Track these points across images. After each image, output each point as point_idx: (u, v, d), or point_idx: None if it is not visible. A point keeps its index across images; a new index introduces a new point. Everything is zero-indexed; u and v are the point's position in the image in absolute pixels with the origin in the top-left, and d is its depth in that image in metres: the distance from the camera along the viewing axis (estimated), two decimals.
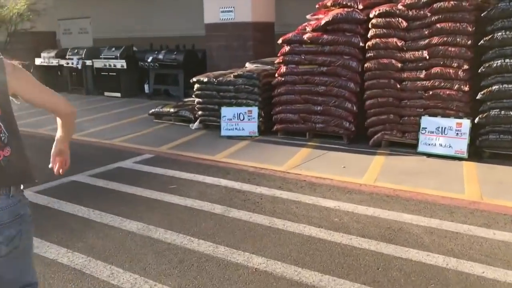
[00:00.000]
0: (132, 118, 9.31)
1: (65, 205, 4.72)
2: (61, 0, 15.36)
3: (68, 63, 13.19)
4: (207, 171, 5.67)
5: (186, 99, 9.70)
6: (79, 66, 12.87)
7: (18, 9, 13.65)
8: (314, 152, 6.33)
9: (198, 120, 8.09)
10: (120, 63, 12.07)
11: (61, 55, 13.80)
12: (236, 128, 7.37)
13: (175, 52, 11.29)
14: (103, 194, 5.04)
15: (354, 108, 6.56)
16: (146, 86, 12.02)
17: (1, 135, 1.85)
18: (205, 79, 7.80)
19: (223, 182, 5.23)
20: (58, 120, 2.29)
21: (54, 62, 13.67)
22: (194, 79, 7.96)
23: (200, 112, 8.02)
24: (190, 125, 8.22)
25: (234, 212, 4.36)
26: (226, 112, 7.43)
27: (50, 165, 2.33)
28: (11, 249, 1.91)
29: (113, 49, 12.48)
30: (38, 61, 14.08)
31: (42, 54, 14.08)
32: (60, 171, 2.35)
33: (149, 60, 11.52)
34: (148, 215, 4.39)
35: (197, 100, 8.02)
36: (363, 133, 6.68)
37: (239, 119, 7.36)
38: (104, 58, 12.46)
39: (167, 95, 12.19)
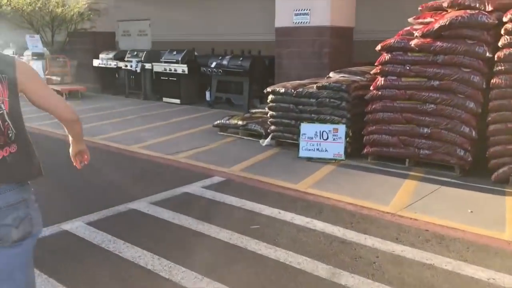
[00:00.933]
0: (194, 129, 8.31)
1: (123, 246, 3.68)
2: (121, 0, 14.72)
3: (126, 66, 12.44)
4: (294, 206, 4.51)
5: (254, 110, 8.62)
6: (138, 69, 12.09)
7: (79, 8, 13.06)
8: (422, 186, 5.05)
9: (270, 136, 6.97)
10: (181, 68, 11.16)
11: (119, 57, 13.09)
12: (318, 149, 6.20)
13: (240, 58, 10.25)
14: (169, 232, 3.98)
15: (473, 133, 5.23)
16: (207, 93, 11.05)
17: (9, 132, 1.86)
18: (282, 90, 6.67)
19: (319, 225, 4.05)
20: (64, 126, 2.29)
21: (112, 64, 12.98)
22: (269, 89, 6.86)
23: (273, 127, 6.90)
24: (261, 141, 7.12)
25: (346, 277, 3.17)
26: (307, 129, 6.27)
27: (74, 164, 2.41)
28: (23, 233, 1.91)
29: (174, 52, 11.61)
30: (96, 63, 13.44)
31: (101, 55, 13.43)
32: (82, 164, 2.44)
33: (212, 65, 10.54)
34: (232, 271, 3.28)
35: (270, 113, 6.91)
36: (480, 163, 5.35)
37: (322, 138, 6.18)
38: (165, 62, 11.61)
39: (229, 104, 11.19)
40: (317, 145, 6.19)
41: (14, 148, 1.88)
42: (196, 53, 11.82)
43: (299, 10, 9.27)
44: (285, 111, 6.72)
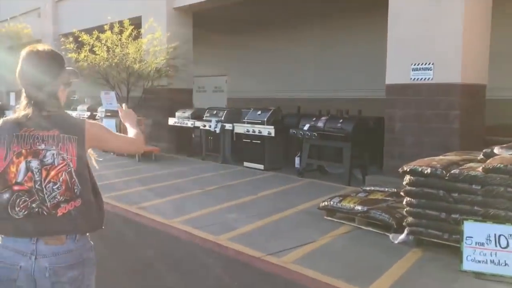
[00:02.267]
0: (291, 210, 6.52)
1: None
2: (198, 55, 13.68)
3: (204, 126, 11.07)
4: None
5: (368, 188, 6.73)
6: (218, 130, 10.65)
7: (157, 64, 12.04)
8: None
9: (406, 231, 5.02)
10: (267, 130, 9.58)
11: (197, 115, 11.80)
12: (492, 261, 4.16)
13: (340, 120, 8.50)
14: None
15: None
16: (296, 160, 9.33)
17: (75, 187, 1.97)
18: (427, 170, 4.76)
19: None
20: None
21: (189, 123, 11.67)
22: (406, 168, 4.98)
23: (411, 219, 4.95)
24: (391, 236, 5.18)
25: None
26: (473, 230, 4.27)
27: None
28: None
29: (259, 112, 10.09)
30: (171, 121, 12.22)
31: (177, 114, 12.22)
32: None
33: (305, 128, 8.86)
34: None
35: (407, 199, 4.99)
36: None
37: (500, 246, 4.16)
38: (248, 123, 10.10)
39: (321, 172, 9.39)
40: (491, 255, 4.16)
41: (78, 203, 1.98)
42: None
43: (419, 64, 7.48)
44: (432, 199, 4.78)
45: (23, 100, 2.02)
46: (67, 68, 2.14)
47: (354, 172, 8.55)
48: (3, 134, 1.97)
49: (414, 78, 7.54)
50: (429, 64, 7.35)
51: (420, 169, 4.82)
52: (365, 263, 4.52)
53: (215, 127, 10.71)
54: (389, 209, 5.42)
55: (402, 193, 5.06)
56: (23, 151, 1.95)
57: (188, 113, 12.00)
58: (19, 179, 1.94)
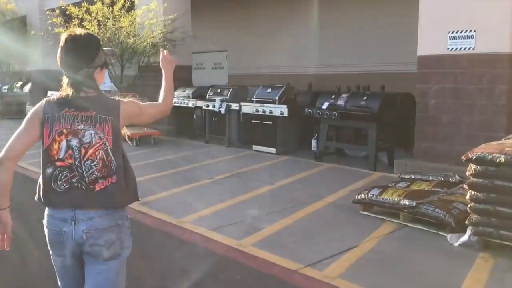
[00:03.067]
0: (316, 204, 5.60)
1: None
2: (197, 29, 12.59)
3: (208, 106, 10.08)
4: None
5: (406, 175, 5.83)
6: (223, 110, 9.67)
7: (153, 38, 10.96)
8: None
9: (469, 231, 4.14)
10: (279, 109, 8.61)
11: (198, 94, 10.80)
12: None
13: (364, 97, 7.54)
14: None
15: None
16: (313, 142, 8.40)
17: (111, 165, 2.12)
18: (500, 158, 3.86)
19: None
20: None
21: (190, 103, 10.68)
22: (471, 155, 4.06)
23: (476, 217, 4.06)
24: (449, 236, 4.30)
25: None
26: None
27: None
28: (112, 254, 2.13)
29: (269, 90, 9.10)
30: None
31: (176, 93, 11.19)
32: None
33: (323, 107, 7.90)
34: None
35: (471, 193, 4.10)
36: None
37: None
38: (257, 102, 9.11)
39: (339, 155, 8.47)
40: None
41: (114, 179, 2.12)
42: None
43: (457, 32, 6.50)
44: (506, 194, 3.89)
45: (64, 82, 2.15)
46: (104, 48, 2.27)
47: (378, 156, 7.64)
48: (47, 114, 2.11)
49: (452, 48, 6.58)
50: (470, 31, 6.37)
51: (490, 157, 3.91)
52: (430, 275, 3.64)
53: (219, 107, 9.73)
54: (443, 204, 4.53)
55: (465, 186, 4.15)
56: (64, 130, 2.10)
57: (188, 91, 10.99)
58: (61, 156, 2.09)
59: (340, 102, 7.76)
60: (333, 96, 7.93)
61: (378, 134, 7.34)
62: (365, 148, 7.72)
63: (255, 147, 9.21)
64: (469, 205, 4.12)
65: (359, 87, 8.37)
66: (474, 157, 4.00)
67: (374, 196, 4.99)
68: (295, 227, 4.80)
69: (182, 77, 11.79)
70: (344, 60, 10.93)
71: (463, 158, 4.11)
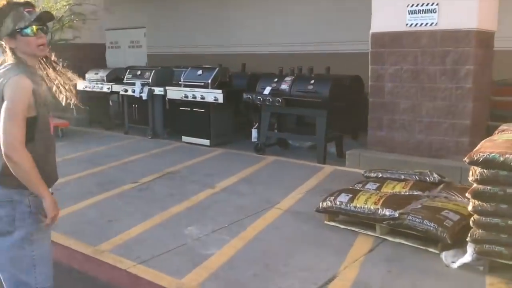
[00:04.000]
0: (272, 212, 4.58)
1: None
2: (111, 2, 10.94)
3: (126, 91, 8.62)
4: None
5: (372, 173, 4.95)
6: (144, 96, 8.28)
7: (58, 11, 9.21)
8: None
9: (472, 249, 3.31)
10: (213, 95, 7.42)
11: (114, 77, 9.28)
12: None
13: (311, 81, 6.59)
14: None
15: None
16: (253, 132, 7.34)
17: None
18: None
19: None
20: None
21: (105, 87, 9.14)
22: (476, 156, 3.19)
23: (481, 233, 3.24)
24: (443, 254, 3.47)
25: None
26: None
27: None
28: (2, 231, 2.03)
29: (199, 72, 7.85)
30: (81, 85, 9.54)
31: (87, 75, 9.60)
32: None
33: (266, 92, 6.85)
34: None
35: (475, 203, 3.26)
36: None
37: None
38: (186, 86, 7.84)
39: (281, 146, 7.51)
40: None
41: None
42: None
43: (417, 6, 5.72)
44: None
45: None
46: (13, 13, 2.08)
47: (327, 148, 6.77)
48: None
49: (412, 24, 5.79)
50: (432, 4, 5.61)
51: (502, 159, 3.08)
52: None
53: (140, 92, 8.34)
54: (432, 213, 3.68)
55: (468, 195, 3.30)
56: None
57: (102, 74, 9.42)
58: None
59: (284, 86, 6.75)
60: (276, 80, 6.90)
61: (328, 122, 6.45)
62: (312, 138, 6.80)
63: (185, 138, 7.97)
64: (472, 218, 3.29)
65: (301, 70, 7.40)
66: (481, 159, 3.15)
67: (344, 204, 4.05)
68: (251, 251, 3.73)
69: (93, 57, 10.21)
70: (280, 39, 9.91)
71: (466, 160, 3.25)
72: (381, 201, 3.92)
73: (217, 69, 7.69)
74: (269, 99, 6.75)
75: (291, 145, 7.56)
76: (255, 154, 7.05)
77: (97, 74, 9.52)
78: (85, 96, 9.60)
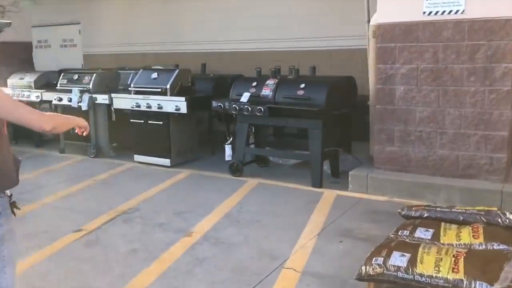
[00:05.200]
0: (283, 278, 3.19)
1: None
2: None
3: (61, 100, 6.84)
4: None
5: (412, 212, 3.62)
6: (85, 106, 6.55)
7: None
8: None
9: None
10: (174, 104, 5.86)
11: (45, 83, 7.47)
12: None
13: (301, 84, 5.20)
14: None
15: None
16: (227, 149, 5.84)
17: None
18: None
19: None
20: None
21: (33, 95, 7.30)
22: None
23: None
24: None
25: None
26: None
27: None
28: None
29: (154, 75, 6.24)
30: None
31: (10, 81, 7.70)
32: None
33: (243, 99, 5.38)
34: None
35: None
36: None
37: None
38: (138, 93, 6.21)
39: (260, 164, 6.09)
40: None
41: None
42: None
43: None
44: None
45: None
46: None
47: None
48: None
49: (431, 12, 4.58)
50: None
51: None
52: None
53: (79, 102, 6.60)
54: None
55: None
56: None
57: (29, 79, 7.57)
58: None
59: (266, 92, 5.33)
60: (254, 84, 5.45)
61: (323, 135, 5.10)
62: (304, 156, 5.43)
63: (138, 157, 6.35)
64: None
65: (279, 70, 5.98)
66: None
67: (403, 270, 2.70)
68: None
69: (18, 58, 8.29)
70: (248, 34, 8.43)
71: None
72: (460, 265, 2.61)
73: (176, 71, 6.13)
74: (247, 108, 5.30)
75: (271, 162, 6.17)
76: (231, 176, 5.59)
77: (22, 79, 7.65)
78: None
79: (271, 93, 5.29)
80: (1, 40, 8.00)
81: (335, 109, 5.09)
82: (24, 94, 7.37)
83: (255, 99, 5.35)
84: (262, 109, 5.21)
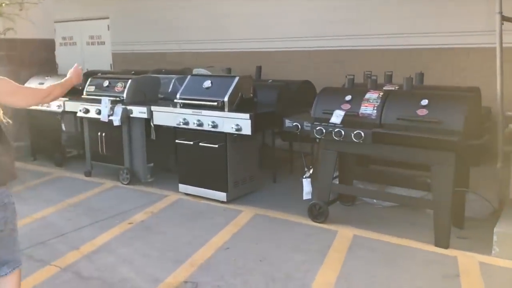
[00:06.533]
0: None
1: None
2: None
3: (87, 111, 5.42)
4: None
5: None
6: (117, 121, 5.12)
7: None
8: None
9: None
10: (234, 122, 4.36)
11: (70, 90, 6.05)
12: None
13: (423, 100, 3.62)
14: None
15: None
16: (306, 183, 4.28)
17: None
18: None
19: None
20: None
21: (53, 105, 5.91)
22: None
23: None
24: None
25: None
26: None
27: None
28: None
29: (207, 83, 4.73)
30: None
31: (28, 86, 6.32)
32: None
33: (335, 119, 3.82)
34: None
35: None
36: None
37: None
38: (187, 105, 4.73)
39: (345, 203, 4.54)
40: None
41: None
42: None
43: None
44: None
45: None
46: None
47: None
48: None
49: None
50: None
51: None
52: None
53: (110, 115, 5.17)
54: None
55: None
56: None
57: (50, 84, 6.14)
58: None
59: (368, 109, 3.78)
60: (349, 98, 3.90)
61: (455, 173, 3.53)
62: (425, 203, 3.88)
63: (183, 187, 4.89)
64: None
65: (391, 75, 4.43)
66: None
67: None
68: None
69: (38, 58, 6.93)
70: (308, 29, 6.86)
71: None
72: None
73: (236, 79, 4.62)
74: (340, 132, 3.77)
75: (359, 200, 4.63)
76: (310, 221, 4.08)
77: (42, 84, 6.24)
78: (25, 116, 6.39)
79: (374, 111, 3.74)
80: (18, 37, 6.67)
81: (474, 137, 3.51)
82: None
83: (350, 119, 3.81)
84: (363, 134, 3.67)
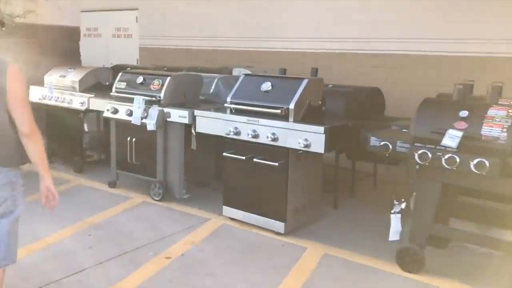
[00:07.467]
0: None
1: None
2: None
3: (116, 112, 4.53)
4: None
5: None
6: (152, 125, 4.22)
7: None
8: None
9: None
10: (302, 136, 3.43)
11: (93, 84, 5.21)
12: None
13: None
14: None
15: None
16: (394, 220, 3.33)
17: None
18: None
19: None
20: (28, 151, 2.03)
21: (76, 102, 5.04)
22: None
23: None
24: None
25: None
26: None
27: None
28: (4, 211, 2.05)
29: (267, 85, 3.80)
30: (36, 94, 5.43)
31: (47, 78, 5.49)
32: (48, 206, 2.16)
33: (449, 140, 2.89)
34: None
35: None
36: None
37: None
38: (240, 111, 3.81)
39: (435, 245, 3.57)
40: None
41: None
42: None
43: None
44: None
45: None
46: None
47: None
48: None
49: None
50: None
51: None
52: None
53: (143, 117, 4.26)
54: None
55: None
56: None
57: (73, 77, 5.30)
58: None
59: (494, 130, 2.81)
60: (464, 114, 2.93)
61: None
62: None
63: (229, 211, 3.96)
64: None
65: (500, 88, 3.46)
66: None
67: None
68: None
69: (61, 47, 6.07)
70: (363, 30, 5.91)
71: None
72: None
73: (304, 81, 3.68)
74: (454, 159, 2.81)
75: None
76: (398, 269, 3.13)
77: (64, 76, 5.39)
78: (43, 113, 5.50)
79: (504, 134, 2.77)
80: (40, 22, 5.83)
81: None
82: (64, 99, 5.13)
83: (466, 143, 2.85)
84: (488, 164, 2.71)
